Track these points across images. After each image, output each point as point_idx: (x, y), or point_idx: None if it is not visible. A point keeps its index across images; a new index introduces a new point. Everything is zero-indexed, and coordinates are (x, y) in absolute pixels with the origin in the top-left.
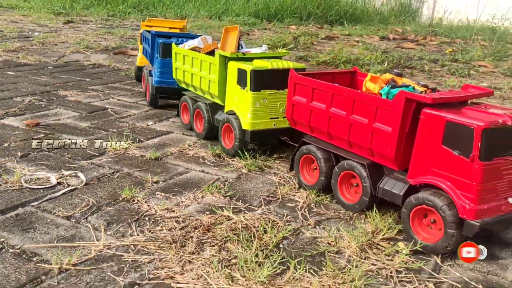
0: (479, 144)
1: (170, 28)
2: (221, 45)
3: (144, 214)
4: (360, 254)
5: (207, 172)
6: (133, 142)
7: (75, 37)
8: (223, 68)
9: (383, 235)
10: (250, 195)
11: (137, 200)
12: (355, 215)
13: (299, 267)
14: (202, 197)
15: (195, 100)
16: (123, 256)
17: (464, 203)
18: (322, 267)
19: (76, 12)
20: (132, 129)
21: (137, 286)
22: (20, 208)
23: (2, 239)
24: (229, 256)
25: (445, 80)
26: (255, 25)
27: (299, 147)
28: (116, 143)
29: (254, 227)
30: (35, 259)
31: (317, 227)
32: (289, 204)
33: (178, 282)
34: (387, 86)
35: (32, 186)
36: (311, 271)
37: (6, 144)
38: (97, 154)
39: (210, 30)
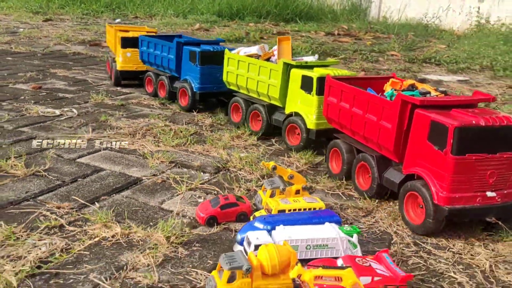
0: (452, 140)
1: (147, 32)
2: (278, 54)
3: (114, 126)
4: None
5: (154, 111)
6: (106, 96)
7: (56, 32)
8: (285, 74)
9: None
10: (179, 119)
11: (109, 122)
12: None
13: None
14: (148, 120)
15: (248, 102)
16: (101, 138)
17: (438, 190)
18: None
19: (52, 11)
20: (106, 90)
21: (112, 150)
22: (41, 123)
23: (35, 134)
24: (158, 139)
25: (358, 64)
26: (216, 23)
27: (330, 141)
28: (95, 96)
29: (175, 129)
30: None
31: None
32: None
33: (131, 146)
34: (404, 90)
35: (46, 115)
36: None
37: (22, 97)
38: (83, 102)
39: (175, 27)
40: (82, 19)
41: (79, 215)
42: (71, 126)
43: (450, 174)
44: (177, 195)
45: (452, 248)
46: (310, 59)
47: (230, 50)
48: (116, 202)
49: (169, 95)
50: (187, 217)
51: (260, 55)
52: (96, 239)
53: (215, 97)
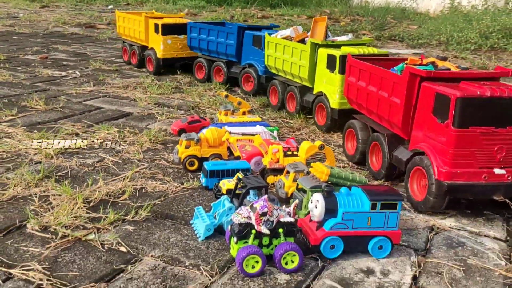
0: (453, 111)
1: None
2: (310, 34)
3: (110, 83)
4: None
5: (143, 74)
6: (102, 63)
7: (53, 17)
8: (313, 54)
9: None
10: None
11: (107, 80)
12: None
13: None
14: (139, 79)
15: (284, 84)
16: (93, 91)
17: (439, 165)
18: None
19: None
20: (103, 60)
21: (109, 97)
22: (52, 81)
23: (48, 87)
24: (146, 89)
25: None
26: (204, 8)
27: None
28: (93, 63)
29: (160, 84)
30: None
31: None
32: None
33: (124, 94)
34: (425, 66)
35: (54, 75)
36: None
37: (32, 64)
38: (84, 68)
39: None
40: (77, 5)
41: (88, 129)
42: (76, 82)
43: (452, 148)
44: (159, 121)
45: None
46: (343, 38)
47: (270, 34)
48: (114, 123)
49: (227, 79)
50: (165, 130)
51: (293, 37)
52: (102, 139)
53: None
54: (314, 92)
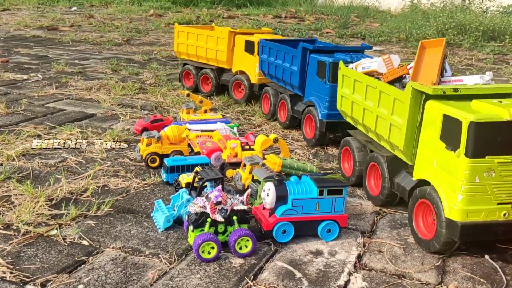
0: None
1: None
2: (413, 70)
3: (73, 85)
4: None
5: (108, 75)
6: (65, 66)
7: (14, 20)
8: (416, 110)
9: None
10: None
11: (70, 82)
12: None
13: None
14: (102, 81)
15: (363, 147)
16: (55, 93)
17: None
18: None
19: (8, 1)
20: (66, 63)
21: (72, 99)
22: (13, 84)
23: (9, 91)
24: (110, 91)
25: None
26: (170, 9)
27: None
28: (56, 66)
29: (124, 85)
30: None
31: None
32: None
33: (87, 96)
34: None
35: (16, 79)
36: None
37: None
38: (46, 70)
39: (130, 14)
40: (39, 8)
41: (50, 131)
42: (38, 85)
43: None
44: (123, 121)
45: None
46: (475, 80)
47: (349, 61)
48: (77, 125)
49: (289, 121)
50: (128, 129)
51: (382, 74)
52: (64, 140)
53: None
54: (415, 177)
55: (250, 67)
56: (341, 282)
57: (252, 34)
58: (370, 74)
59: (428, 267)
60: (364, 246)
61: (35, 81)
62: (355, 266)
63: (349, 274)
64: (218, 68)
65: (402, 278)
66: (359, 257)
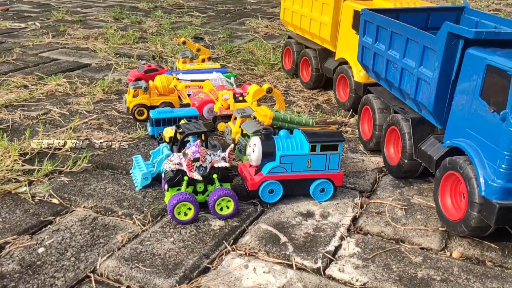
0: None
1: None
2: None
3: (71, 34)
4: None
5: (108, 24)
6: (66, 14)
7: None
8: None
9: None
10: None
11: (68, 31)
12: None
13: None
14: (102, 29)
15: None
16: (51, 42)
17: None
18: None
19: None
20: (67, 11)
21: (68, 48)
22: (9, 33)
23: (4, 40)
24: (108, 40)
25: None
26: None
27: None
28: (56, 14)
29: (123, 34)
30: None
31: None
32: None
33: (84, 45)
34: None
35: (12, 27)
36: None
37: None
38: (46, 19)
39: None
40: None
41: (39, 81)
42: (34, 34)
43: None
44: (117, 71)
45: None
46: None
47: None
48: (68, 75)
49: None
50: (121, 80)
51: None
52: (52, 90)
53: None
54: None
55: (355, 54)
56: (331, 247)
57: None
58: None
59: (431, 231)
60: (361, 207)
61: (32, 29)
62: (348, 230)
63: (341, 238)
64: (322, 49)
65: (401, 243)
66: (355, 219)
